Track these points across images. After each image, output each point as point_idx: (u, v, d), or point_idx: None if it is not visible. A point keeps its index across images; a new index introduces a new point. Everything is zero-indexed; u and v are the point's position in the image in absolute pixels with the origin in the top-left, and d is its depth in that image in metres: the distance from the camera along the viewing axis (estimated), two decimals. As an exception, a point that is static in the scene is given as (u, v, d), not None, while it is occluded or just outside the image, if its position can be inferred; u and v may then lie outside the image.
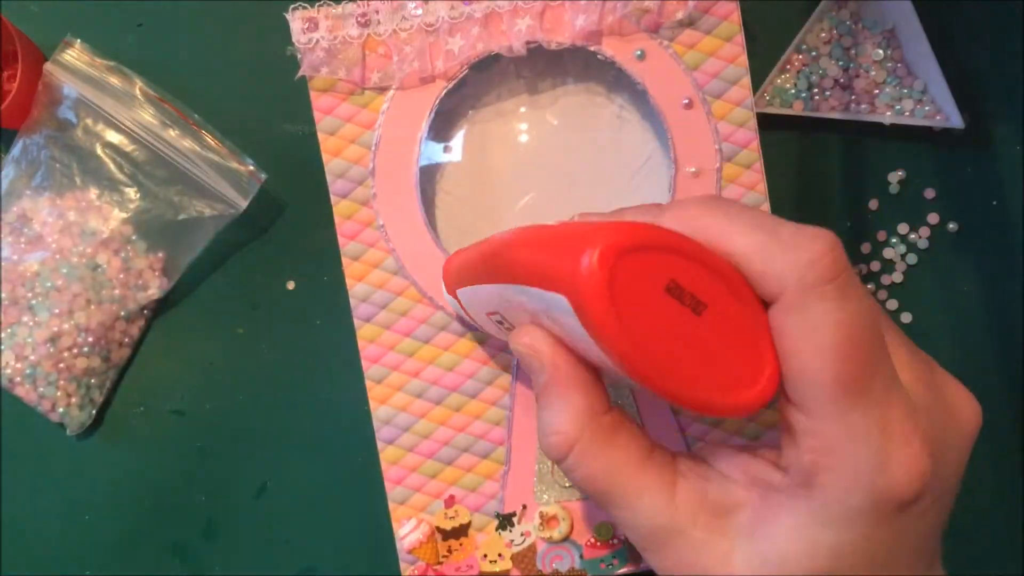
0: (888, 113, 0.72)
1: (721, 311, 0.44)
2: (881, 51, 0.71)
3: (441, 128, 0.72)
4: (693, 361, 0.44)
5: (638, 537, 0.48)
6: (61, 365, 0.73)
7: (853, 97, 0.72)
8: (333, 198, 0.68)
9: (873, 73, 0.71)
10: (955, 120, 0.71)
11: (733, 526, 0.47)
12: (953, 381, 0.50)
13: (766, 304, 0.45)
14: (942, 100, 0.71)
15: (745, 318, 0.45)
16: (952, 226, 0.74)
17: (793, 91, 0.71)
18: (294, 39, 0.67)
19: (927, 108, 0.71)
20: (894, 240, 0.74)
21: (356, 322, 0.69)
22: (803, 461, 0.44)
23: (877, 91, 0.71)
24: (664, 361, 0.43)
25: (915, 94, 0.71)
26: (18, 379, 0.73)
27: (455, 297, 0.61)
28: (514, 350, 0.51)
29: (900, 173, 0.73)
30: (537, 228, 0.49)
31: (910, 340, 0.50)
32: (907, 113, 0.72)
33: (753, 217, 0.46)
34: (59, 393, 0.74)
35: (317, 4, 0.67)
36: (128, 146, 0.74)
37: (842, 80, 0.71)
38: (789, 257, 0.44)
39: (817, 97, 0.71)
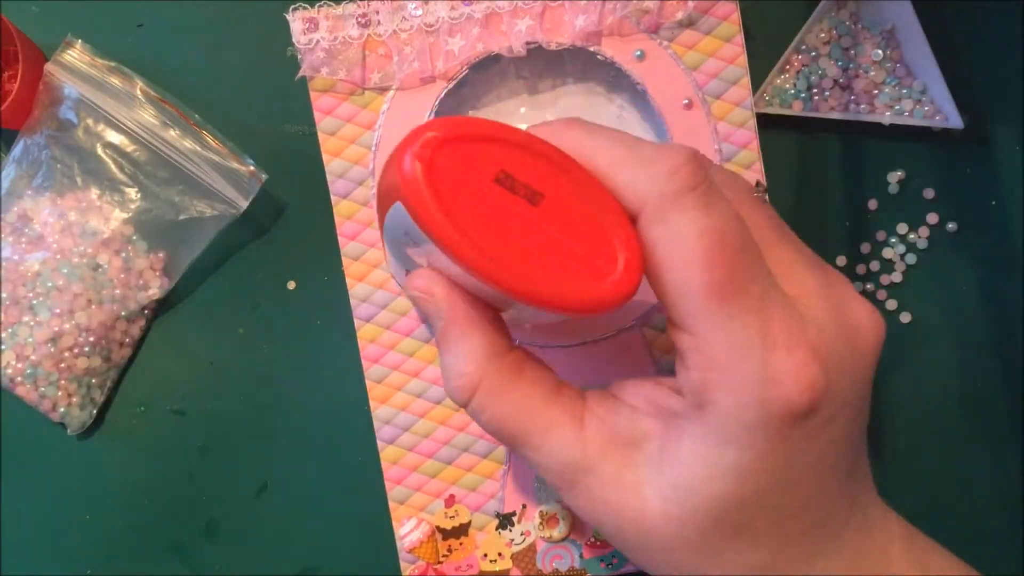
0: (887, 113, 0.72)
1: (562, 200, 0.44)
2: (880, 51, 0.71)
3: (441, 129, 0.72)
4: (537, 253, 0.43)
5: (551, 476, 0.48)
6: (62, 365, 0.73)
7: (852, 97, 0.72)
8: (333, 198, 0.68)
9: (872, 73, 0.71)
10: (954, 120, 0.71)
11: (642, 457, 0.46)
12: (855, 296, 0.48)
13: (633, 219, 0.44)
14: (941, 100, 0.71)
15: (589, 207, 0.44)
16: (951, 226, 0.74)
17: (792, 91, 0.71)
18: (294, 39, 0.67)
19: (926, 108, 0.71)
20: (893, 240, 0.74)
21: (356, 322, 0.69)
22: (692, 380, 0.44)
23: (876, 91, 0.72)
24: (505, 255, 0.42)
25: (914, 94, 0.71)
26: (19, 379, 0.73)
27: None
28: (409, 296, 0.50)
29: (899, 173, 0.73)
30: None
31: (813, 255, 0.49)
32: (906, 113, 0.72)
33: (614, 134, 0.46)
34: (60, 393, 0.74)
35: (317, 4, 0.67)
36: (129, 146, 0.74)
37: (841, 80, 0.71)
38: (648, 169, 0.43)
39: (816, 97, 0.71)
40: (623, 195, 0.44)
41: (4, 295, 0.73)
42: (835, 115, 0.71)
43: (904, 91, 0.71)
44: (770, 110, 0.71)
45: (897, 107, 0.72)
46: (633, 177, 0.44)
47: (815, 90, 0.71)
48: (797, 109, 0.71)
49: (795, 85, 0.71)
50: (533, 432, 0.47)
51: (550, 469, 0.47)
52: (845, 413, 0.45)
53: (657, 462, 0.46)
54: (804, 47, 0.71)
